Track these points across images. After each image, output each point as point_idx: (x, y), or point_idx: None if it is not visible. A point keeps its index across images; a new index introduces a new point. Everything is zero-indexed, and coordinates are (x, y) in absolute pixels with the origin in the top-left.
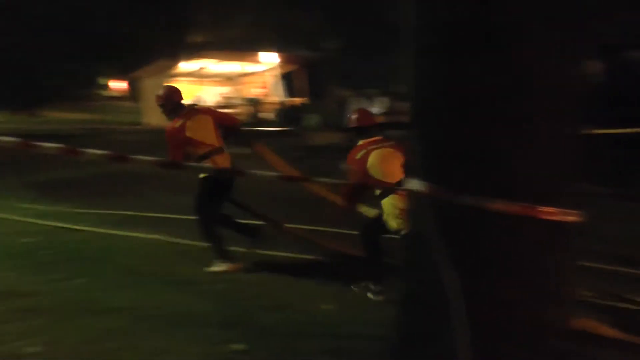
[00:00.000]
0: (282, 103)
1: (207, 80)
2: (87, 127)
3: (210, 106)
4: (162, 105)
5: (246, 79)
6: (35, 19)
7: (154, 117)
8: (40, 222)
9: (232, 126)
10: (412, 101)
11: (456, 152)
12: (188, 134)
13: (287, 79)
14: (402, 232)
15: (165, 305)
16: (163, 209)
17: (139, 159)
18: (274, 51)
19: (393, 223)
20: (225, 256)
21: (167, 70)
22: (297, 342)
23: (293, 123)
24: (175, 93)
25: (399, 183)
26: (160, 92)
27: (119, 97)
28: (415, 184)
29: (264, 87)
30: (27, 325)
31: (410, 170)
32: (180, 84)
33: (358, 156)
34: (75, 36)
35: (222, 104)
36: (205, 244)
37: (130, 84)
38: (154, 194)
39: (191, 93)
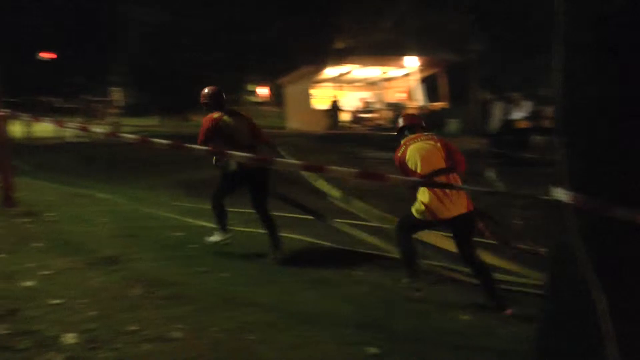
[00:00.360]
0: (422, 107)
1: (348, 86)
2: None
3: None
4: (204, 103)
5: (387, 83)
6: (189, 33)
7: (297, 122)
8: (186, 218)
9: (258, 138)
10: (559, 105)
11: (609, 161)
12: (221, 125)
13: (428, 82)
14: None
15: (303, 303)
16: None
17: (283, 162)
18: (414, 55)
19: (417, 215)
20: (223, 227)
21: (309, 76)
22: (432, 351)
23: (433, 128)
24: (219, 95)
25: (435, 174)
26: (206, 91)
27: (262, 103)
28: (560, 194)
29: (405, 92)
30: (172, 312)
31: (555, 179)
32: (321, 89)
33: (399, 153)
34: (225, 45)
35: (362, 109)
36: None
37: (272, 90)
38: (296, 196)
39: (331, 98)
